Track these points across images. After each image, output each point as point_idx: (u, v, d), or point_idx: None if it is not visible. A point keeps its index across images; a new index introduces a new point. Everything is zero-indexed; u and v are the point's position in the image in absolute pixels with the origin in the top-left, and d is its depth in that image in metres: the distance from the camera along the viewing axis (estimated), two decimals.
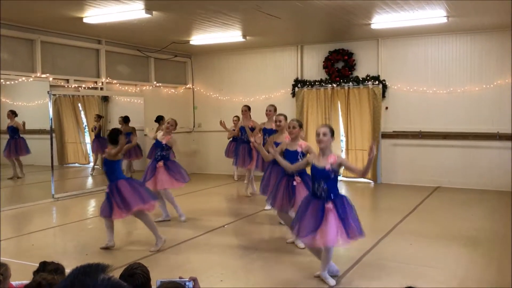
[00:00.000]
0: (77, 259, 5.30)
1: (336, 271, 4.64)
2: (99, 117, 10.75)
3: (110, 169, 5.62)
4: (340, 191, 4.53)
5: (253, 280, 4.65)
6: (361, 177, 4.47)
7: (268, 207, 7.91)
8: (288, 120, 5.84)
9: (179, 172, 7.00)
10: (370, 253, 5.39)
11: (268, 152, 5.26)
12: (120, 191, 5.43)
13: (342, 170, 10.29)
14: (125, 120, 10.61)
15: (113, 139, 5.60)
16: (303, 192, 5.24)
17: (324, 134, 4.40)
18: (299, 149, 5.45)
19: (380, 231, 6.28)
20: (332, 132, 4.46)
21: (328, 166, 4.34)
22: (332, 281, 4.43)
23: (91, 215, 8.03)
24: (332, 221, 4.27)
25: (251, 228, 6.73)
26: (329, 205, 4.31)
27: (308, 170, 4.96)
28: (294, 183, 5.50)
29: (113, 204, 5.45)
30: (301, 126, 5.59)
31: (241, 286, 4.49)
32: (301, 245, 5.61)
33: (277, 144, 5.71)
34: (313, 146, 5.77)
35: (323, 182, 4.37)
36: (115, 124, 11.06)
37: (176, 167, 7.02)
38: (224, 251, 5.61)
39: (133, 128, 10.70)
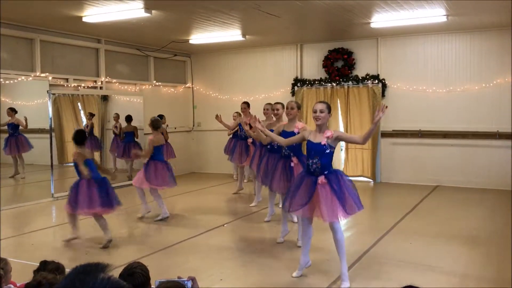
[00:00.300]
0: (76, 258, 5.30)
1: (306, 263, 4.66)
2: (91, 115, 10.73)
3: (78, 171, 5.73)
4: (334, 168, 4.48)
5: (253, 279, 4.65)
6: (362, 144, 4.38)
7: (253, 204, 7.94)
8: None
9: (158, 174, 6.96)
10: (370, 252, 5.39)
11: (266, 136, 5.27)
12: (77, 191, 5.63)
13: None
14: (128, 119, 10.56)
15: (78, 140, 5.79)
16: (298, 167, 5.26)
17: (321, 111, 4.36)
18: (296, 130, 5.37)
19: (380, 230, 6.29)
20: (329, 109, 4.43)
21: (324, 141, 4.32)
22: (346, 284, 4.32)
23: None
24: (324, 196, 4.23)
25: (251, 227, 6.73)
26: (322, 180, 4.27)
27: (304, 150, 4.94)
28: (292, 164, 5.54)
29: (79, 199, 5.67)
30: (299, 107, 5.56)
31: (241, 285, 4.49)
32: (300, 243, 5.62)
33: (284, 132, 5.65)
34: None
35: (318, 158, 4.33)
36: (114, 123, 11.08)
37: (158, 170, 6.99)
38: (224, 250, 5.61)
39: (135, 128, 10.69)
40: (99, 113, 11.10)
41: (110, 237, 5.78)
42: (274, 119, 6.44)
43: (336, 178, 4.33)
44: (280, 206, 7.12)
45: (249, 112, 8.72)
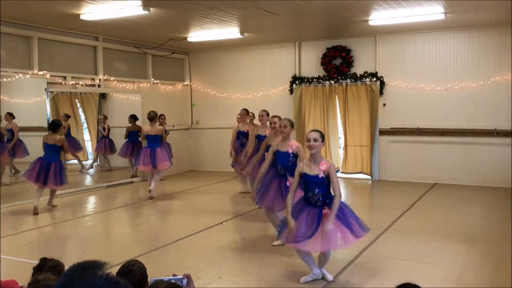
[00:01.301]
0: (75, 256, 5.30)
1: (319, 275, 4.54)
2: (66, 116, 10.61)
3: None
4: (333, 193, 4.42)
5: (251, 277, 4.66)
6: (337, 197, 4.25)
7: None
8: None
9: (139, 159, 8.61)
10: (368, 249, 5.40)
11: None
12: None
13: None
14: (134, 118, 10.39)
15: (49, 127, 7.79)
16: (297, 193, 5.21)
17: (315, 140, 4.28)
18: (290, 150, 5.35)
19: (378, 227, 6.29)
20: (322, 137, 4.37)
21: (321, 174, 4.26)
22: (330, 276, 4.46)
23: (89, 212, 8.03)
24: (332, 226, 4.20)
25: (249, 225, 6.74)
26: (327, 211, 4.24)
27: None
28: (288, 183, 5.42)
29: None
30: (292, 125, 5.46)
31: (239, 282, 4.49)
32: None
33: (278, 152, 5.55)
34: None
35: (317, 189, 4.28)
36: (114, 120, 11.06)
37: (140, 155, 8.64)
38: (222, 248, 5.61)
39: (140, 127, 10.55)
40: (97, 111, 11.08)
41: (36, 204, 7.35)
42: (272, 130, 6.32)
43: (339, 207, 4.28)
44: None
45: (248, 119, 8.53)
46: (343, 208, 4.33)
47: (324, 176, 4.26)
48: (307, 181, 4.35)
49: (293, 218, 4.35)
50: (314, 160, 4.34)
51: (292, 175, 5.48)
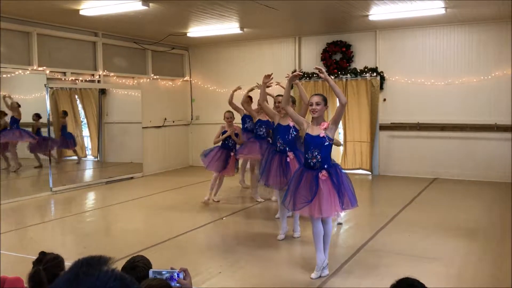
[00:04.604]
0: (75, 252, 5.30)
1: (323, 261, 4.52)
2: (65, 113, 10.51)
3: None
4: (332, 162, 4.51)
5: (251, 272, 4.67)
6: (344, 103, 4.23)
7: (259, 198, 7.84)
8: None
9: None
10: (368, 244, 5.41)
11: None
12: None
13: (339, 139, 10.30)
14: (38, 116, 9.93)
15: None
16: (295, 164, 5.27)
17: (318, 104, 4.37)
18: (291, 124, 5.47)
19: (378, 222, 6.31)
20: (325, 101, 4.45)
21: (322, 133, 4.33)
22: (326, 271, 4.48)
23: (89, 208, 8.04)
24: (326, 191, 4.26)
25: (249, 220, 6.75)
26: (323, 175, 4.29)
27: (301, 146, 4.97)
28: (288, 159, 5.54)
29: None
30: (294, 102, 5.55)
31: (239, 278, 4.51)
32: (296, 234, 5.65)
33: (279, 126, 5.64)
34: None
35: (317, 151, 4.34)
36: (114, 116, 11.05)
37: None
38: (223, 243, 5.62)
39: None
40: (97, 107, 11.08)
41: None
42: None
43: (336, 173, 4.36)
44: (272, 198, 7.15)
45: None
46: (340, 175, 4.36)
47: (325, 136, 4.33)
48: (308, 141, 4.43)
49: (291, 185, 4.48)
50: (316, 123, 4.44)
51: (292, 149, 5.56)
